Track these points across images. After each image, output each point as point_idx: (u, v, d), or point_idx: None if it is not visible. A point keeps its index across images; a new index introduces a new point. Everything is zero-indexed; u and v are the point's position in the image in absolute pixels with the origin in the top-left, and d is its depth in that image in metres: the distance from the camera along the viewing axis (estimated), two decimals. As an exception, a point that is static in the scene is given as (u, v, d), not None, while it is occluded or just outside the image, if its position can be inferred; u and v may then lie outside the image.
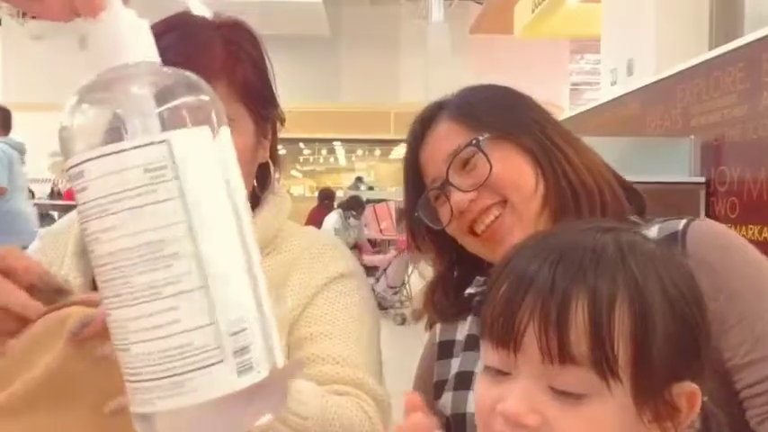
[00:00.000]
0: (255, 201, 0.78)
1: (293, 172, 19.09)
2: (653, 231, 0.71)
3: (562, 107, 14.32)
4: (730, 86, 2.21)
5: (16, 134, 4.73)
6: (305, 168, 18.99)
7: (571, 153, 0.77)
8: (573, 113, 3.92)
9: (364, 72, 15.78)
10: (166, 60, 0.65)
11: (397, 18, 15.61)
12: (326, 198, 7.72)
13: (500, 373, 0.44)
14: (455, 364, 0.79)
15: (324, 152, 19.12)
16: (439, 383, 0.79)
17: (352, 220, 6.44)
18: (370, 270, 5.98)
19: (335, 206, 6.97)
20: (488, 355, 0.45)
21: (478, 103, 0.80)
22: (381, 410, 0.73)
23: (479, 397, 0.45)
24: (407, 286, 6.09)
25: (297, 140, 17.83)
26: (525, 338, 0.42)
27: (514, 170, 0.75)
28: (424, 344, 0.88)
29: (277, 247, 0.79)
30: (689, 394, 0.43)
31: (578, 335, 0.41)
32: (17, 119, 5.04)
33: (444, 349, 0.81)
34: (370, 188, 11.33)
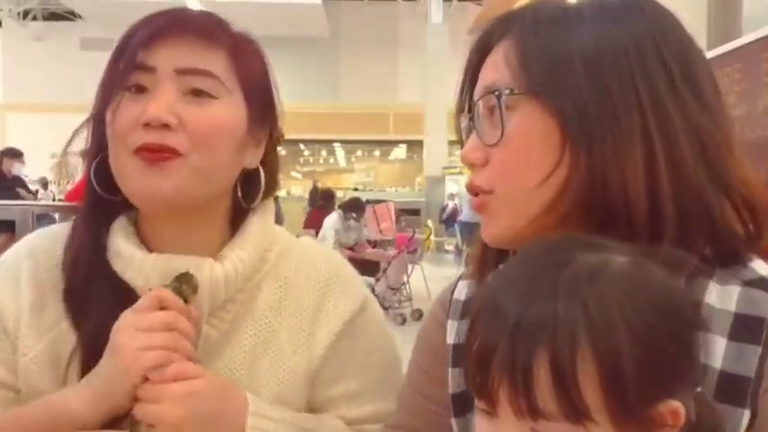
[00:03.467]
0: (240, 211, 0.73)
1: (293, 173, 19.09)
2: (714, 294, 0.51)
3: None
4: (728, 87, 2.21)
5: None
6: (305, 169, 18.99)
7: (635, 144, 0.52)
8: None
9: (363, 73, 15.78)
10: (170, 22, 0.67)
11: (396, 19, 15.62)
12: (324, 199, 7.70)
13: (490, 413, 0.46)
14: None
15: (323, 153, 19.13)
16: (461, 396, 0.64)
17: (352, 222, 6.44)
18: (372, 265, 6.00)
19: (336, 207, 6.98)
20: (475, 398, 0.47)
21: (544, 38, 0.55)
22: None
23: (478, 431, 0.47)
24: (407, 286, 6.09)
25: (296, 141, 17.83)
26: (500, 397, 0.44)
27: (522, 151, 0.55)
28: None
29: (278, 265, 0.74)
30: (670, 412, 0.43)
31: (544, 395, 0.42)
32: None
33: (461, 354, 0.61)
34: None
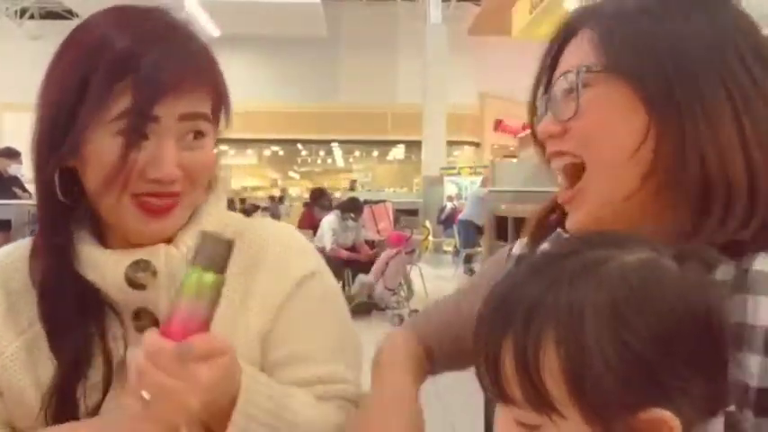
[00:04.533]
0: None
1: (291, 173, 19.08)
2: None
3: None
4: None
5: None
6: (302, 170, 18.99)
7: (728, 120, 0.53)
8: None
9: (362, 73, 15.78)
10: (162, 72, 0.65)
11: (395, 19, 15.61)
12: (317, 198, 7.65)
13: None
14: None
15: (321, 153, 19.12)
16: None
17: (350, 222, 6.43)
18: (370, 266, 5.99)
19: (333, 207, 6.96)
20: None
21: (626, 24, 0.58)
22: (351, 408, 0.73)
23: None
24: (405, 287, 6.09)
25: (294, 141, 17.83)
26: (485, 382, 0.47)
27: (607, 123, 0.56)
28: None
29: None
30: (655, 421, 0.42)
31: (509, 381, 0.44)
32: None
33: None
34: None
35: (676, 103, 0.54)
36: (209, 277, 0.57)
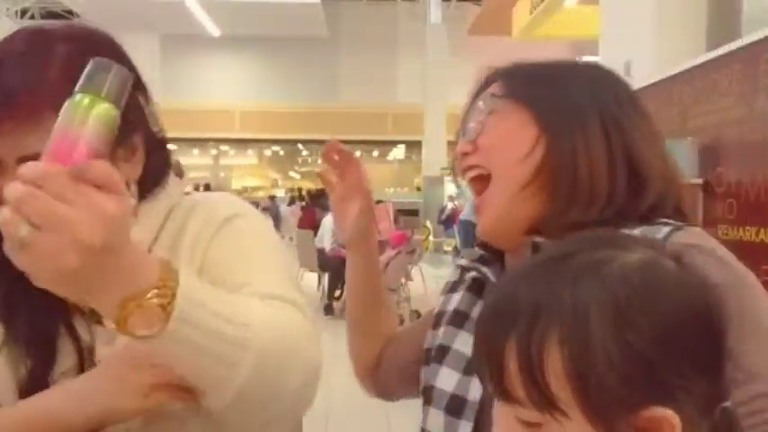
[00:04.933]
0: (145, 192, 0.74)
1: (291, 173, 19.08)
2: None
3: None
4: (728, 88, 2.21)
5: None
6: (303, 169, 18.98)
7: (599, 145, 0.71)
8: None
9: (362, 73, 15.77)
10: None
11: (396, 19, 15.61)
12: (317, 198, 7.66)
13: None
14: (439, 336, 0.80)
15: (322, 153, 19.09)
16: (426, 351, 0.80)
17: None
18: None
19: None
20: None
21: (524, 68, 0.78)
22: (305, 316, 0.66)
23: None
24: (404, 288, 6.09)
25: (295, 141, 17.82)
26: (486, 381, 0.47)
27: (505, 136, 0.73)
28: None
29: (167, 225, 0.74)
30: (657, 420, 0.42)
31: (512, 380, 0.44)
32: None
33: (437, 319, 0.82)
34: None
35: (561, 123, 0.72)
36: (114, 112, 0.49)
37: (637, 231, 0.65)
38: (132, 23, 12.37)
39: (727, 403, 0.46)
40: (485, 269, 0.77)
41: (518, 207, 0.72)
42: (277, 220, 11.64)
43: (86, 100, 0.48)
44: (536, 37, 8.82)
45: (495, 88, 0.77)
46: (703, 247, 0.63)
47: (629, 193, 0.70)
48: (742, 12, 3.30)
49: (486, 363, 0.46)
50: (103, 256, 0.46)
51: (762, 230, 1.99)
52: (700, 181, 2.29)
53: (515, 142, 0.72)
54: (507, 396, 0.45)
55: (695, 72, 2.42)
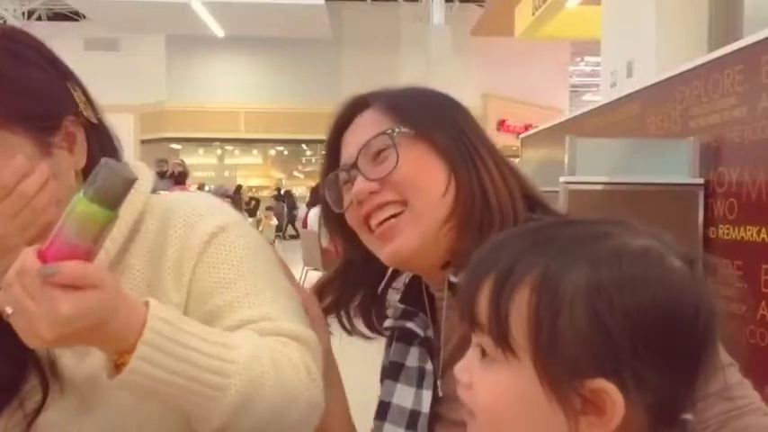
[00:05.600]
0: None
1: (295, 173, 19.09)
2: None
3: (562, 109, 14.30)
4: (729, 88, 2.22)
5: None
6: (307, 169, 18.99)
7: (491, 164, 0.74)
8: (573, 115, 3.94)
9: (366, 74, 15.76)
10: None
11: (399, 20, 15.61)
12: (313, 196, 7.69)
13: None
14: (382, 391, 0.80)
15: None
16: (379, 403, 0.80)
17: None
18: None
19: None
20: None
21: (407, 99, 0.78)
22: (309, 350, 0.69)
23: None
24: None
25: (299, 142, 17.83)
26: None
27: (423, 171, 0.72)
28: None
29: (139, 230, 0.73)
30: (602, 392, 0.42)
31: (480, 311, 0.47)
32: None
33: (383, 372, 0.82)
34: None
35: (459, 155, 0.73)
36: (100, 212, 0.53)
37: None
38: (138, 24, 12.41)
39: (689, 416, 0.46)
40: (409, 324, 0.77)
41: (437, 242, 0.71)
42: (280, 218, 11.62)
43: (80, 201, 0.54)
44: (538, 37, 8.82)
45: (381, 122, 0.74)
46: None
47: (527, 210, 0.73)
48: (743, 12, 3.30)
49: (464, 296, 0.48)
50: (62, 342, 0.54)
51: (763, 230, 1.99)
52: (701, 181, 2.30)
53: (434, 179, 0.72)
54: (474, 323, 0.47)
55: (697, 72, 2.42)
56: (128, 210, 0.72)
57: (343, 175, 0.76)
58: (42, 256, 0.53)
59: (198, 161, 16.55)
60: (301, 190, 16.15)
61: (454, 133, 0.74)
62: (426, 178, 0.72)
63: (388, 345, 0.82)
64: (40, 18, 14.76)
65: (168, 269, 0.72)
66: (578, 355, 0.43)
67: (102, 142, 0.75)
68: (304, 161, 18.89)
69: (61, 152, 0.70)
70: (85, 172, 0.72)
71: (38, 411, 0.70)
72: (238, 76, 16.09)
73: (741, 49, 2.17)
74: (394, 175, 0.72)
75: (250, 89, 16.05)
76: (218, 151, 18.01)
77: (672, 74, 2.62)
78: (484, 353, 0.47)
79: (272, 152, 18.63)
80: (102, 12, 12.02)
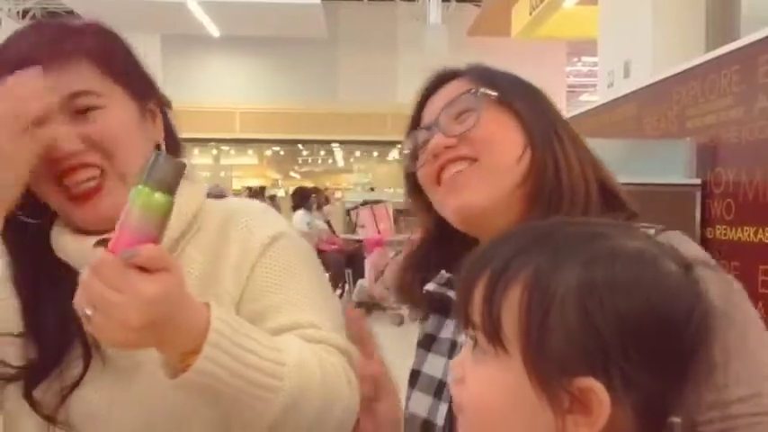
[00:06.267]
0: None
1: (291, 173, 19.08)
2: None
3: (559, 109, 14.30)
4: (726, 89, 2.22)
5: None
6: (303, 170, 18.98)
7: (569, 146, 0.74)
8: (570, 115, 3.94)
9: (362, 74, 15.77)
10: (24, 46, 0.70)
11: (395, 20, 15.61)
12: (301, 198, 7.65)
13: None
14: (415, 359, 0.81)
15: (322, 153, 19.11)
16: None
17: (315, 212, 6.61)
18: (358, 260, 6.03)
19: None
20: None
21: (496, 71, 0.80)
22: (350, 361, 0.72)
23: None
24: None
25: (295, 142, 17.82)
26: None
27: (501, 133, 0.73)
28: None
29: (201, 227, 0.79)
30: (589, 391, 0.42)
31: (474, 308, 0.48)
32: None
33: (418, 344, 0.83)
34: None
35: (541, 132, 0.74)
36: (160, 199, 0.56)
37: None
38: (133, 24, 12.36)
39: (677, 419, 0.45)
40: (451, 293, 0.77)
41: (509, 207, 0.72)
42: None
43: (140, 191, 0.56)
44: (535, 37, 8.82)
45: (470, 85, 0.76)
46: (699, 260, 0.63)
47: (602, 204, 0.73)
48: (741, 12, 3.30)
49: (460, 292, 0.49)
50: (148, 331, 0.54)
51: (760, 230, 1.99)
52: (698, 181, 2.30)
53: (511, 143, 0.73)
54: (468, 321, 0.48)
55: (694, 72, 2.42)
56: (188, 203, 0.77)
57: (422, 134, 0.78)
58: (113, 250, 0.55)
59: (193, 161, 16.50)
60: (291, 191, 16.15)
61: (537, 108, 0.76)
62: (503, 141, 0.73)
63: (424, 319, 0.83)
64: (34, 17, 14.72)
65: (228, 266, 0.76)
66: (567, 353, 0.43)
67: (168, 128, 0.84)
68: (300, 161, 18.88)
69: (149, 122, 0.79)
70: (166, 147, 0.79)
71: (75, 385, 0.72)
72: (234, 75, 16.08)
73: (738, 50, 2.17)
74: (472, 132, 0.73)
75: (246, 89, 16.04)
76: (214, 151, 17.98)
77: (669, 74, 2.62)
78: (477, 349, 0.48)
79: (268, 152, 18.61)
80: (97, 11, 11.95)
